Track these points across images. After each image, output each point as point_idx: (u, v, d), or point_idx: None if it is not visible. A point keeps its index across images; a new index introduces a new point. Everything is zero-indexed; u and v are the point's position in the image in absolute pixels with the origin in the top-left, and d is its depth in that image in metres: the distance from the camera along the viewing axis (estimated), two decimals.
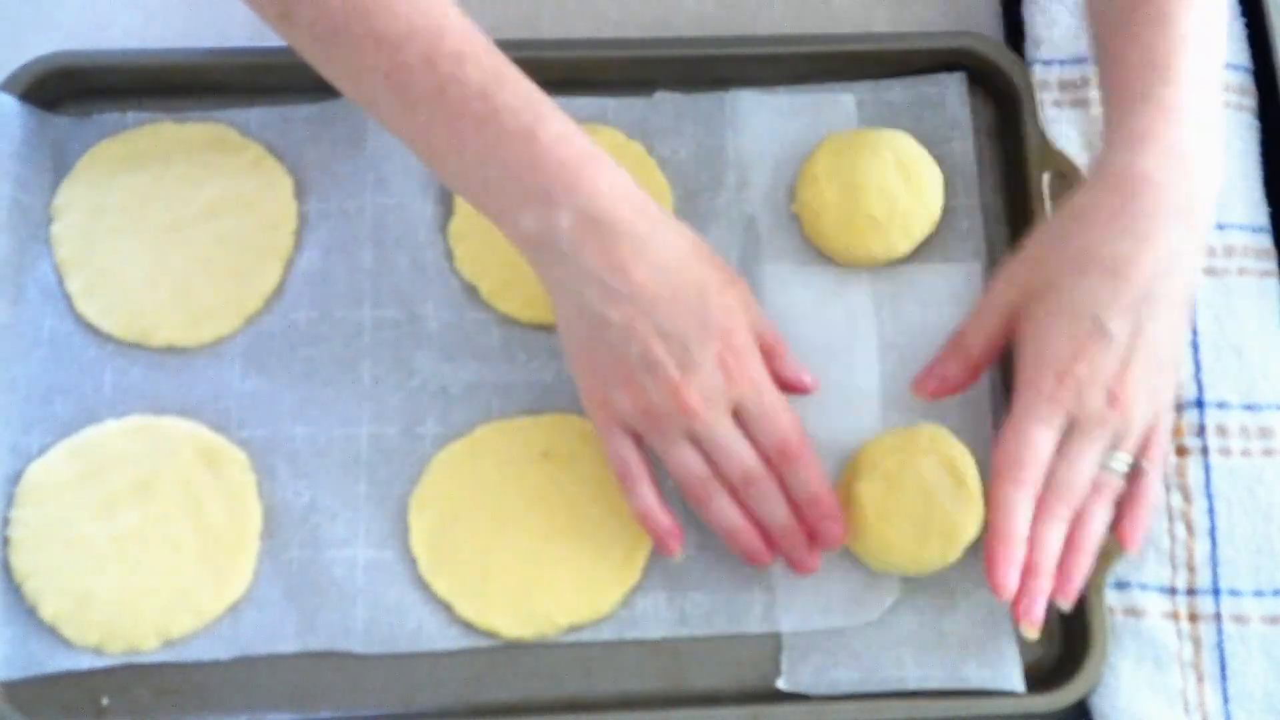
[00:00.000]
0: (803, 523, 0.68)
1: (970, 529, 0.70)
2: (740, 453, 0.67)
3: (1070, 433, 0.66)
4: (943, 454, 0.70)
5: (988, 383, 0.75)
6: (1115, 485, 0.67)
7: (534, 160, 0.64)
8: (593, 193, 0.64)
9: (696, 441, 0.67)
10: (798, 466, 0.67)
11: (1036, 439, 0.65)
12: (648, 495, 0.68)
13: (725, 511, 0.68)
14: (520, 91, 0.66)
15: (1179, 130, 0.65)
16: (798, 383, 0.70)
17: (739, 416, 0.67)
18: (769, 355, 0.68)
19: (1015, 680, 0.69)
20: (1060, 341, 0.65)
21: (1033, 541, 0.66)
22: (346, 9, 0.65)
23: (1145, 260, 0.64)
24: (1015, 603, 0.65)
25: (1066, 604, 0.67)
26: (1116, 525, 0.68)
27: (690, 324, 0.65)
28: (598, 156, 0.66)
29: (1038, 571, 0.65)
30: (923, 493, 0.69)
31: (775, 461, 0.67)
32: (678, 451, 0.67)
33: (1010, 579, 0.65)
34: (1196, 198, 0.66)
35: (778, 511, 0.68)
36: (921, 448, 0.70)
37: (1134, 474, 0.68)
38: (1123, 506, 0.68)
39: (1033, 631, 0.66)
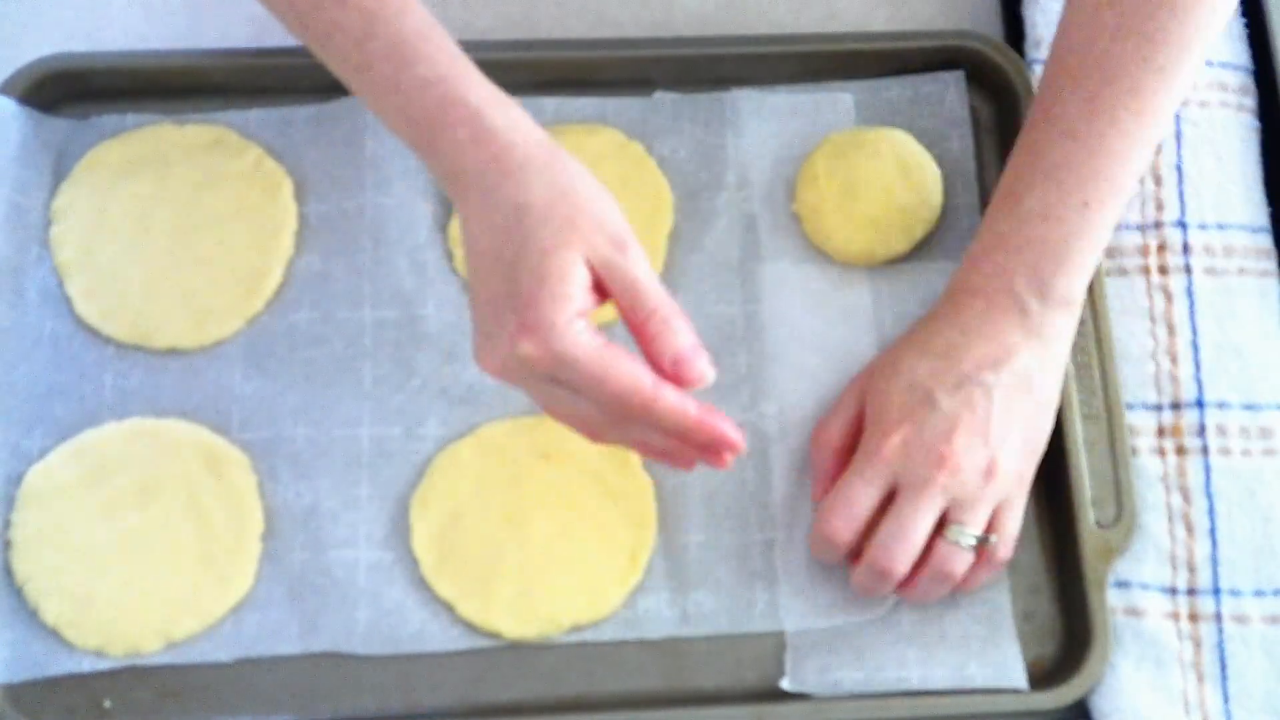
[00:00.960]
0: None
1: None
2: (578, 412, 0.63)
3: (898, 495, 0.67)
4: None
5: None
6: (959, 558, 0.68)
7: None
8: (454, 141, 0.63)
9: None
10: (652, 417, 0.61)
11: (856, 494, 0.68)
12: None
13: (614, 438, 0.65)
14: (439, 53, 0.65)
15: (1011, 255, 0.69)
16: (674, 373, 0.62)
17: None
18: (639, 331, 0.62)
19: (1018, 678, 0.70)
20: (891, 409, 0.69)
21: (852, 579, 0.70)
22: None
23: (973, 349, 0.68)
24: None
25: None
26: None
27: (497, 293, 0.62)
28: (486, 103, 0.64)
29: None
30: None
31: (625, 418, 0.62)
32: (542, 397, 0.64)
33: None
34: (1030, 306, 0.69)
35: (656, 440, 0.64)
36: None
37: (980, 548, 0.68)
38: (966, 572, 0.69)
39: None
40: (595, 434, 0.65)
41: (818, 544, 0.69)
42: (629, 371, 0.61)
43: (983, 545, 0.68)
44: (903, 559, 0.67)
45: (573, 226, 0.61)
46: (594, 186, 0.63)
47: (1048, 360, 0.69)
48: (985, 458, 0.67)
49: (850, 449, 0.71)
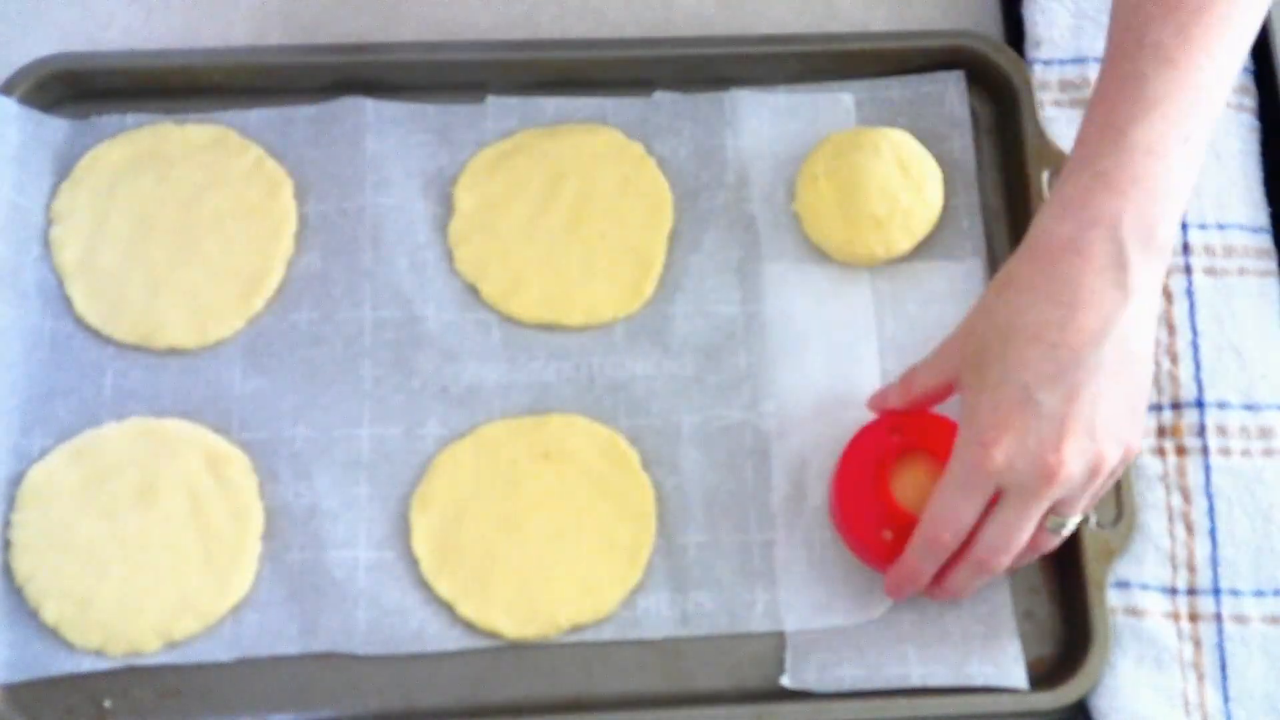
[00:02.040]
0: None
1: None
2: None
3: (1003, 499, 0.64)
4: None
5: None
6: (1053, 543, 0.68)
7: None
8: None
9: None
10: None
11: (956, 506, 0.64)
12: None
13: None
14: None
15: (1116, 197, 0.62)
16: None
17: None
18: None
19: (1018, 677, 0.70)
20: (987, 412, 0.63)
21: (938, 576, 0.68)
22: None
23: (1071, 325, 0.61)
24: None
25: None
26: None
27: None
28: None
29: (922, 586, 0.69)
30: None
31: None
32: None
33: (898, 596, 0.70)
34: (1130, 257, 0.62)
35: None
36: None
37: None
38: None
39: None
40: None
41: (922, 548, 0.66)
42: None
43: (1082, 525, 0.67)
44: (1008, 559, 0.65)
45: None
46: None
47: (1144, 316, 0.63)
48: (1093, 455, 0.62)
49: (926, 405, 0.70)
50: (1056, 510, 0.65)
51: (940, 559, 0.66)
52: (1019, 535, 0.64)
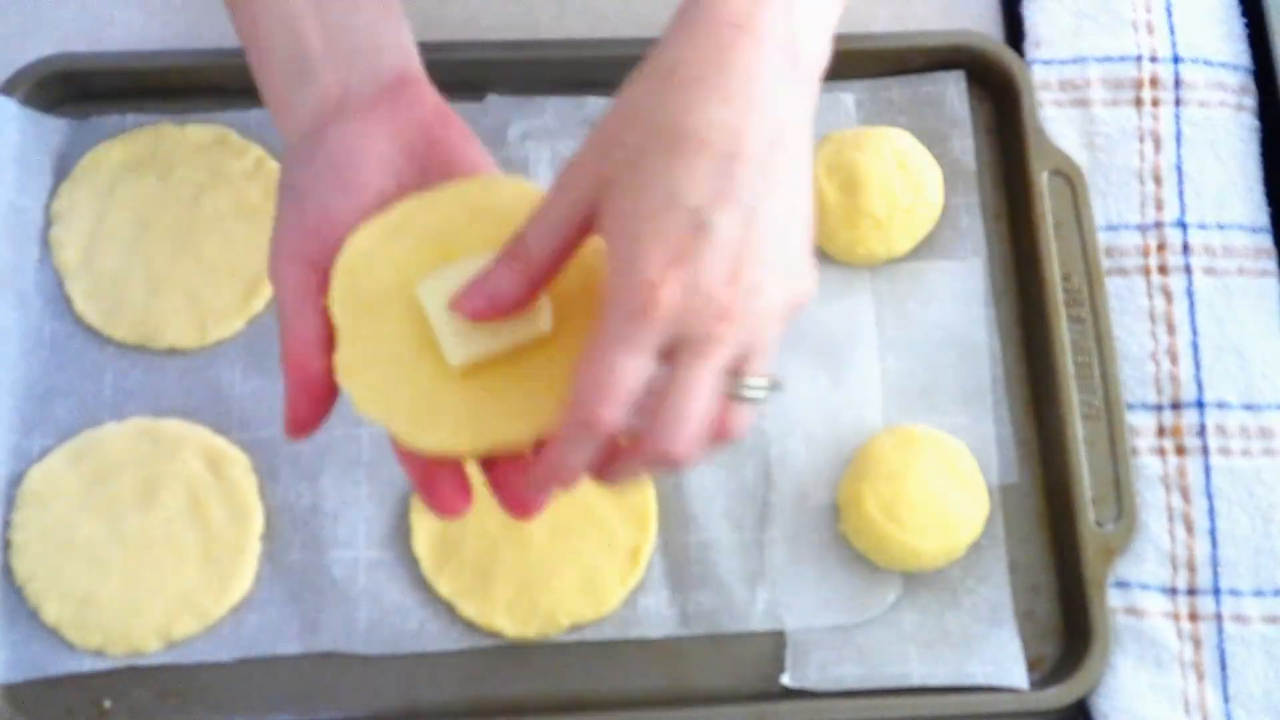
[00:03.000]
0: None
1: (972, 526, 0.70)
2: None
3: (677, 354, 0.50)
4: (943, 452, 0.71)
5: (988, 381, 0.75)
6: (745, 414, 0.53)
7: None
8: None
9: None
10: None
11: (623, 368, 0.49)
12: None
13: None
14: None
15: None
16: None
17: None
18: None
19: (1018, 677, 0.70)
20: (649, 243, 0.49)
21: (603, 469, 0.53)
22: None
23: (745, 132, 0.50)
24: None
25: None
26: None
27: None
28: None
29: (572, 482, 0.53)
30: (925, 491, 0.70)
31: None
32: None
33: (535, 506, 0.57)
34: (802, 47, 0.52)
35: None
36: (922, 446, 0.71)
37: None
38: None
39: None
40: None
41: (572, 432, 0.50)
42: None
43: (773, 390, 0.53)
44: (693, 442, 0.51)
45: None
46: None
47: (808, 124, 0.53)
48: (780, 290, 0.51)
49: (554, 271, 0.53)
50: (737, 370, 0.52)
51: (597, 442, 0.51)
52: (697, 402, 0.50)
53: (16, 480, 0.72)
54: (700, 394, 0.50)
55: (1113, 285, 0.77)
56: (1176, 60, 0.80)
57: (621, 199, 0.50)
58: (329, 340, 0.54)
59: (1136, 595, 0.72)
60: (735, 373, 0.51)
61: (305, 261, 0.55)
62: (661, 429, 0.50)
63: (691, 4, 0.52)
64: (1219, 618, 0.71)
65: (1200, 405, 0.74)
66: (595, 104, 0.80)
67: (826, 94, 0.80)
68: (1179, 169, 0.78)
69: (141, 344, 0.74)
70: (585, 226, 0.52)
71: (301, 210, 0.56)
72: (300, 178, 0.56)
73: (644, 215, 0.49)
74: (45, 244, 0.76)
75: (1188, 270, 0.77)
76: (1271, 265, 0.77)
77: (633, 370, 0.49)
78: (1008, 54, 0.80)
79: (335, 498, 0.72)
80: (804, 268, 0.53)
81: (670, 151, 0.49)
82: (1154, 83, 0.80)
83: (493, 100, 0.79)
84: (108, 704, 0.69)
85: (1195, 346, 0.75)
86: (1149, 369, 0.75)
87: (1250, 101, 0.80)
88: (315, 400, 0.55)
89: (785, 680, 0.70)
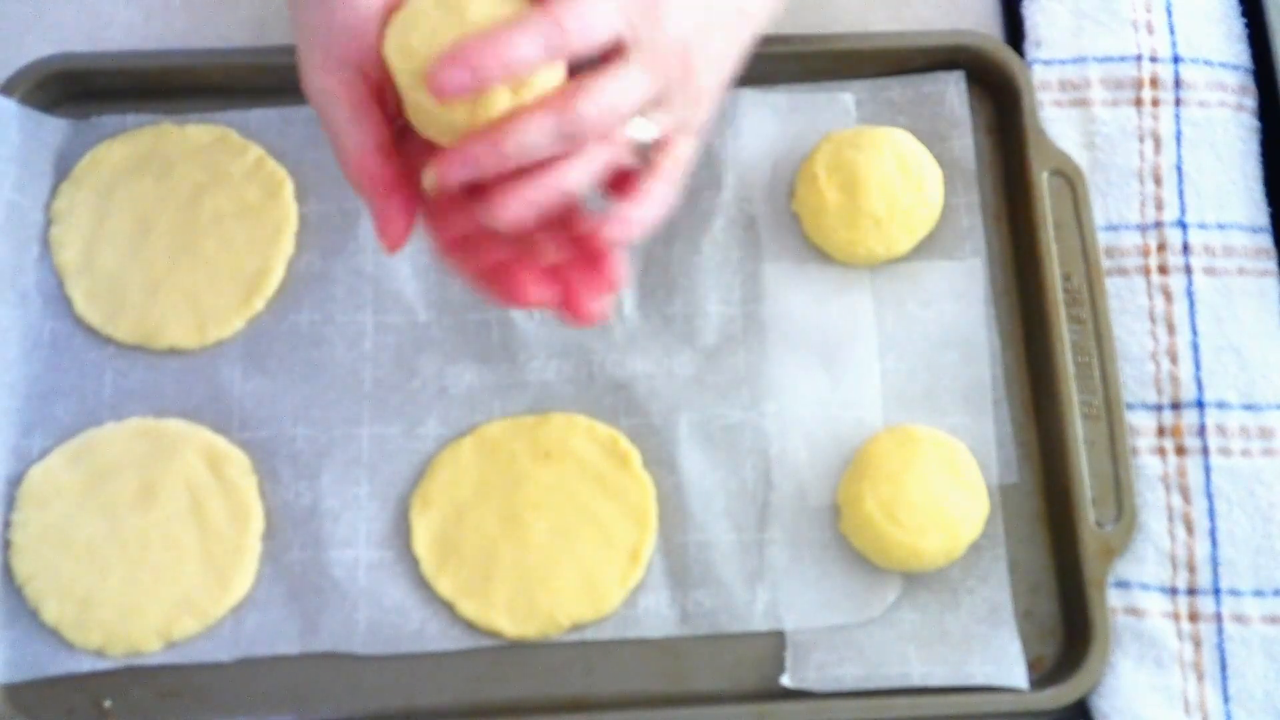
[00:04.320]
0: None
1: (972, 526, 0.70)
2: None
3: (612, 56, 0.55)
4: (943, 452, 0.71)
5: (988, 380, 0.75)
6: (626, 157, 0.57)
7: None
8: None
9: None
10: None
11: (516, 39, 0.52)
12: None
13: None
14: None
15: None
16: None
17: None
18: None
19: (1018, 677, 0.70)
20: None
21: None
22: None
23: None
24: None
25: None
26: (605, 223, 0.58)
27: None
28: None
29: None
30: (925, 491, 0.70)
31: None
32: None
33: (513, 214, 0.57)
34: None
35: None
36: (922, 445, 0.71)
37: (651, 160, 0.58)
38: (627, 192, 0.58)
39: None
40: None
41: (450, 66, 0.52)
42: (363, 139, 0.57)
43: (656, 156, 0.57)
44: (601, 122, 0.54)
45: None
46: None
47: None
48: (712, 77, 0.58)
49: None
50: (661, 101, 0.57)
51: (471, 84, 0.53)
52: (612, 93, 0.54)
53: (16, 480, 0.72)
54: (619, 86, 0.54)
55: (1113, 285, 0.77)
56: (1176, 60, 0.80)
57: None
58: (391, 143, 0.55)
59: (1136, 595, 0.72)
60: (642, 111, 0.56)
61: (345, 65, 0.56)
62: (578, 95, 0.54)
63: None
64: (1219, 618, 0.71)
65: (1200, 405, 0.74)
66: None
67: (826, 93, 0.80)
68: (1179, 169, 0.78)
69: (141, 344, 0.74)
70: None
71: (329, 10, 0.56)
72: None
73: None
74: (45, 244, 0.76)
75: (1188, 270, 0.77)
76: (1271, 265, 0.77)
77: (527, 46, 0.52)
78: (1008, 54, 0.80)
79: (335, 498, 0.72)
80: (712, 65, 0.58)
81: None
82: (1154, 83, 0.80)
83: None
84: (108, 704, 0.69)
85: (1195, 346, 0.75)
86: (1149, 369, 0.75)
87: (1250, 101, 0.80)
88: (400, 210, 0.57)
89: (785, 680, 0.70)
